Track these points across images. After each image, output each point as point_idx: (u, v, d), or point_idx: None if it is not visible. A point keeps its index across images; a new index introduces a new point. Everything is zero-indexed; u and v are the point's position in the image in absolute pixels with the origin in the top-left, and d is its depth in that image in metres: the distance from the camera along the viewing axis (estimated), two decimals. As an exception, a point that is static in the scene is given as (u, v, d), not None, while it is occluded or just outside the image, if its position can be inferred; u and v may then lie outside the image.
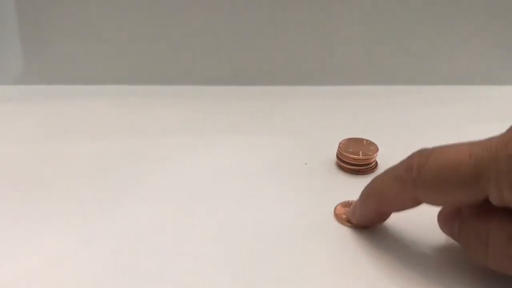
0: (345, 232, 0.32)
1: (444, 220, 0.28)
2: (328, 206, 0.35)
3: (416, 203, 0.26)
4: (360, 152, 0.39)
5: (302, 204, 0.35)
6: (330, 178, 0.39)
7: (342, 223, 0.32)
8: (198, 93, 0.54)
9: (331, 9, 0.54)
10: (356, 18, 0.55)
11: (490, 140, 0.23)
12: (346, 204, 0.34)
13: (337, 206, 0.34)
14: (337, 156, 0.40)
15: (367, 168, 0.39)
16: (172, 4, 0.53)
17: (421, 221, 0.31)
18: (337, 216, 0.33)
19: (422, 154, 0.25)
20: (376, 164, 0.40)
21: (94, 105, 0.51)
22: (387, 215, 0.30)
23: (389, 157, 0.41)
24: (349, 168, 0.39)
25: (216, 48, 0.55)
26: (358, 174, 0.39)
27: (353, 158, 0.38)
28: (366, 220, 0.31)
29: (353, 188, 0.37)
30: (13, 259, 0.29)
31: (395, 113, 0.50)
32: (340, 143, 0.40)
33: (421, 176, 0.24)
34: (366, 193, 0.30)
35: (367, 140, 0.41)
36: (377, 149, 0.39)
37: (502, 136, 0.23)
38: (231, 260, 0.30)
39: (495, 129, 0.47)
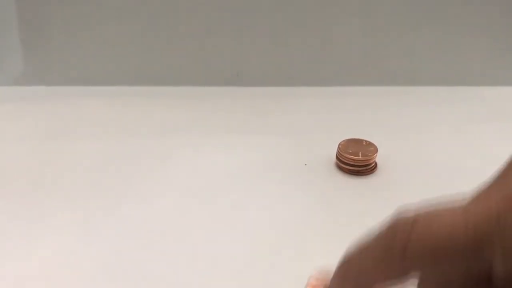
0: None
1: None
2: (328, 208, 0.35)
3: (404, 278, 0.22)
4: (360, 153, 0.39)
5: (302, 204, 0.35)
6: (329, 179, 0.39)
7: None
8: (199, 94, 0.54)
9: (331, 11, 0.54)
10: (355, 20, 0.55)
11: (487, 199, 0.19)
12: (321, 280, 0.28)
13: (309, 280, 0.28)
14: (337, 157, 0.40)
15: (366, 169, 0.39)
16: (173, 6, 0.53)
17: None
18: None
19: (406, 222, 0.21)
20: (376, 164, 0.40)
21: (94, 106, 0.51)
22: None
23: (388, 158, 0.41)
24: (349, 169, 0.39)
25: (216, 50, 0.55)
26: (357, 174, 0.39)
27: (353, 159, 0.38)
28: None
29: (352, 188, 0.38)
30: (13, 258, 0.29)
31: (394, 114, 0.51)
32: (339, 144, 0.40)
33: (409, 249, 0.20)
34: (340, 277, 0.25)
35: (366, 141, 0.41)
36: (377, 150, 0.39)
37: (501, 192, 0.19)
38: (230, 259, 0.30)
39: (494, 130, 0.47)
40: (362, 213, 0.35)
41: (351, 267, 0.24)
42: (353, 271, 0.24)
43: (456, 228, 0.19)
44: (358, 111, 0.51)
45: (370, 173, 0.39)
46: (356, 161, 0.39)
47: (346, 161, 0.39)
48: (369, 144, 0.40)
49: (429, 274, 0.21)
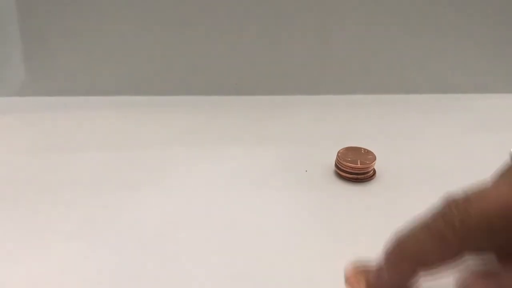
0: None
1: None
2: (327, 214, 0.35)
3: (459, 257, 0.23)
4: (358, 160, 0.40)
5: (303, 211, 0.36)
6: (329, 186, 0.39)
7: None
8: (198, 103, 0.55)
9: (329, 20, 0.55)
10: (353, 30, 0.56)
11: None
12: (360, 271, 0.29)
13: (347, 273, 0.29)
14: (336, 165, 0.41)
15: (365, 176, 0.40)
16: (173, 17, 0.53)
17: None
18: (353, 285, 0.28)
19: (458, 203, 0.23)
20: (374, 172, 0.41)
21: (95, 116, 0.51)
22: (417, 276, 0.26)
23: (386, 165, 0.42)
24: (348, 176, 0.40)
25: (215, 59, 0.56)
26: (356, 182, 0.40)
27: (351, 167, 0.39)
28: (398, 284, 0.26)
29: (351, 195, 0.38)
30: (18, 266, 0.30)
31: (392, 122, 0.51)
32: (338, 152, 0.41)
33: (466, 228, 0.22)
34: (396, 256, 0.26)
35: (365, 149, 0.41)
36: (375, 158, 0.40)
37: None
38: (231, 267, 0.30)
39: (492, 138, 0.48)
40: (361, 219, 0.35)
41: (407, 248, 0.25)
42: (410, 251, 0.25)
43: (507, 200, 0.21)
44: (356, 120, 0.52)
45: (368, 180, 0.40)
46: (354, 169, 0.39)
47: (345, 169, 0.39)
48: (368, 152, 0.41)
49: (486, 246, 0.23)
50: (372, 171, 0.40)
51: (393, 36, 0.56)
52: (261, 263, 0.30)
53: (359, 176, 0.39)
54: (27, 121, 0.50)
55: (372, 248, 0.32)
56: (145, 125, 0.49)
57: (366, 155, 0.40)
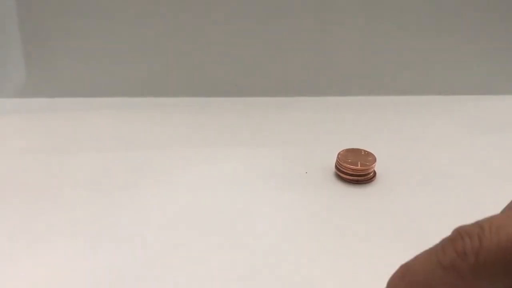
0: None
1: None
2: (328, 215, 0.35)
3: None
4: (359, 162, 0.40)
5: (303, 213, 0.36)
6: (329, 188, 0.39)
7: None
8: (199, 105, 0.55)
9: (328, 22, 0.55)
10: (352, 31, 0.56)
11: None
12: None
13: None
14: (336, 167, 0.41)
15: (365, 178, 0.40)
16: (173, 18, 0.53)
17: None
18: None
19: (472, 234, 0.21)
20: (375, 173, 0.41)
21: (96, 117, 0.51)
22: None
23: (387, 167, 0.42)
24: (348, 178, 0.40)
25: (215, 61, 0.56)
26: (356, 183, 0.40)
27: (352, 168, 0.39)
28: None
29: (351, 197, 0.38)
30: (19, 268, 0.30)
31: (392, 124, 0.51)
32: (338, 154, 0.41)
33: (481, 261, 0.20)
34: None
35: (365, 151, 0.41)
36: (375, 160, 0.40)
37: None
38: (231, 268, 0.30)
39: (492, 139, 0.48)
40: (361, 221, 0.35)
41: (415, 282, 0.23)
42: (419, 284, 0.23)
43: None
44: (357, 121, 0.52)
45: (369, 182, 0.40)
46: (355, 171, 0.39)
47: (345, 171, 0.39)
48: (368, 153, 0.41)
49: (501, 279, 0.21)
50: (372, 173, 0.40)
51: (393, 38, 0.56)
52: (260, 265, 0.31)
53: (359, 178, 0.39)
54: (28, 122, 0.50)
55: (372, 250, 0.32)
56: (145, 127, 0.50)
57: (366, 156, 0.40)
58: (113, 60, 0.55)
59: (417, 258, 0.23)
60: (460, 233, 0.21)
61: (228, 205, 0.37)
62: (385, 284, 0.28)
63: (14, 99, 0.55)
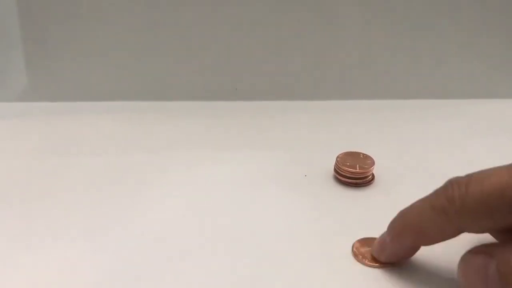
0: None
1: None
2: (327, 218, 0.36)
3: (458, 233, 0.25)
4: (357, 165, 0.40)
5: (302, 216, 0.36)
6: (328, 191, 0.40)
7: (366, 264, 0.30)
8: (199, 108, 0.55)
9: (327, 25, 0.55)
10: (351, 34, 0.56)
11: None
12: (365, 242, 0.32)
13: (354, 244, 0.32)
14: (335, 170, 0.41)
15: (364, 181, 0.40)
16: (173, 22, 0.54)
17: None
18: (359, 257, 0.31)
19: (460, 183, 0.24)
20: (373, 177, 0.41)
21: (96, 121, 0.52)
22: (418, 249, 0.29)
23: (385, 170, 0.42)
24: (347, 181, 0.40)
25: (215, 65, 0.56)
26: (355, 186, 0.40)
27: (350, 171, 0.39)
28: (398, 256, 0.30)
29: (350, 199, 0.38)
30: (19, 270, 0.30)
31: (391, 127, 0.51)
32: (337, 157, 0.41)
33: (466, 205, 0.24)
34: (399, 228, 0.28)
35: (363, 154, 0.42)
36: (374, 163, 0.40)
37: None
38: (230, 270, 0.30)
39: (491, 143, 0.48)
40: (360, 223, 0.35)
41: (409, 220, 0.28)
42: (412, 223, 0.27)
43: (503, 180, 0.23)
44: (355, 125, 0.52)
45: (367, 185, 0.40)
46: (353, 174, 0.39)
47: (344, 174, 0.40)
48: (367, 157, 0.41)
49: (484, 223, 0.24)
50: (371, 176, 0.41)
51: (392, 42, 0.56)
52: (260, 267, 0.31)
53: (358, 181, 0.40)
54: (29, 126, 0.51)
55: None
56: (146, 130, 0.50)
57: (365, 159, 0.41)
58: (113, 64, 0.55)
59: (413, 204, 0.28)
60: (452, 182, 0.25)
61: (226, 208, 0.37)
62: (384, 284, 0.29)
63: (15, 103, 0.55)
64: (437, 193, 0.26)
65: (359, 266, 0.31)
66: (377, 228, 0.35)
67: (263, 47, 0.56)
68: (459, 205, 0.24)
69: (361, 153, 0.42)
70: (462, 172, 0.42)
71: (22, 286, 0.29)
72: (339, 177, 0.40)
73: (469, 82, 0.59)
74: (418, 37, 0.56)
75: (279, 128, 0.51)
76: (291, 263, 0.31)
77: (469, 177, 0.25)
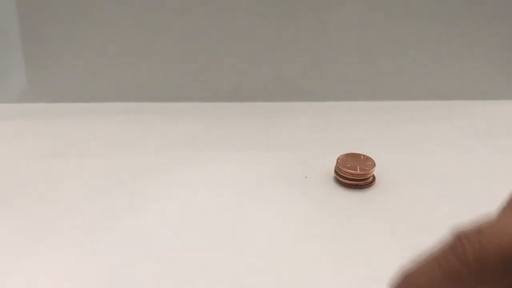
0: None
1: None
2: (327, 220, 0.36)
3: None
4: (358, 167, 0.40)
5: (303, 217, 0.36)
6: (328, 193, 0.39)
7: None
8: (199, 110, 0.55)
9: (327, 27, 0.55)
10: (353, 36, 0.56)
11: None
12: None
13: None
14: (335, 171, 0.41)
15: (364, 183, 0.40)
16: (173, 25, 0.54)
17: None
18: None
19: (470, 238, 0.21)
20: (374, 178, 0.41)
21: (96, 122, 0.51)
22: None
23: (386, 171, 0.42)
24: (347, 183, 0.40)
25: (216, 67, 0.56)
26: (356, 188, 0.40)
27: (351, 173, 0.39)
28: None
29: (351, 201, 0.38)
30: (19, 273, 0.30)
31: (391, 129, 0.51)
32: (338, 158, 0.41)
33: (482, 264, 0.20)
34: None
35: (364, 155, 0.41)
36: (374, 164, 0.40)
37: None
38: (231, 271, 0.30)
39: (492, 144, 0.48)
40: (360, 225, 0.35)
41: (417, 286, 0.23)
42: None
43: None
44: (356, 126, 0.52)
45: (368, 187, 0.40)
46: (354, 175, 0.39)
47: (344, 175, 0.40)
48: (367, 158, 0.41)
49: (501, 281, 0.21)
50: (371, 177, 0.40)
51: (393, 43, 0.56)
52: (260, 269, 0.31)
53: (358, 182, 0.40)
54: (28, 127, 0.50)
55: (371, 254, 0.32)
56: (145, 131, 0.50)
57: (365, 161, 0.41)
58: (113, 66, 0.55)
59: (418, 267, 0.23)
60: (460, 238, 0.21)
61: (227, 208, 0.37)
62: (384, 286, 0.28)
63: (14, 104, 0.55)
64: (443, 250, 0.22)
65: (360, 269, 0.31)
66: (378, 230, 0.35)
67: (263, 49, 0.56)
68: (474, 264, 0.20)
69: (361, 154, 0.42)
70: (462, 173, 0.43)
71: (22, 286, 0.29)
72: (340, 178, 0.40)
73: (470, 84, 0.59)
74: (419, 39, 0.56)
75: (280, 130, 0.51)
76: (291, 264, 0.31)
77: (478, 229, 0.21)
